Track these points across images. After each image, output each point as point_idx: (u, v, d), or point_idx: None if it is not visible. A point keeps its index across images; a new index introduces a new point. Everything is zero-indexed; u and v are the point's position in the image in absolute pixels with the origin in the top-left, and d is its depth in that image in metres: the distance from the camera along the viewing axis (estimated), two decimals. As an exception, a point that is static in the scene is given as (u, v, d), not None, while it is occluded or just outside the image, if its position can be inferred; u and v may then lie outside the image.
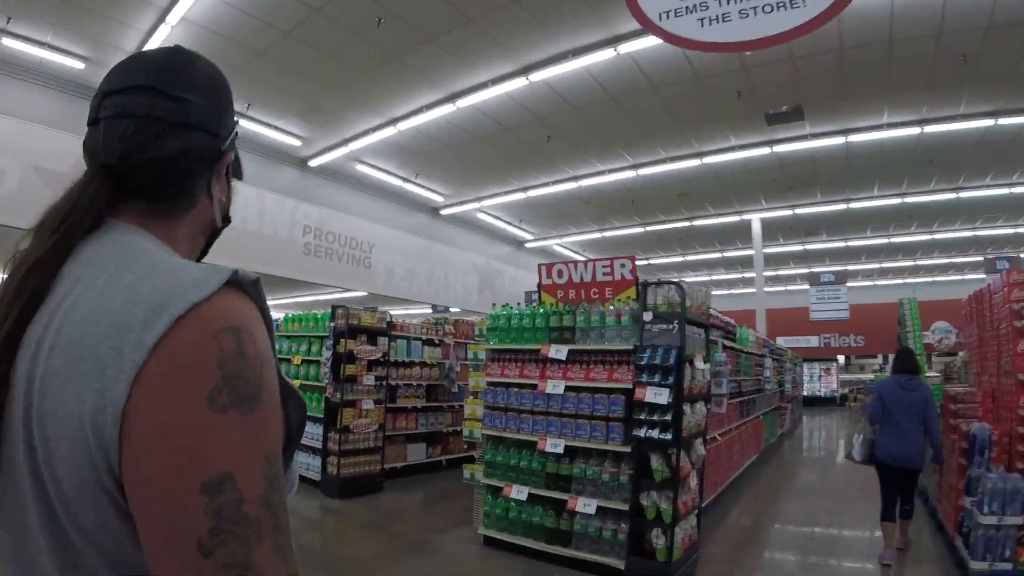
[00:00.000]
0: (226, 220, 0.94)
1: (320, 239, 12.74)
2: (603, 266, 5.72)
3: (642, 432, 4.81)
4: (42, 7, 8.12)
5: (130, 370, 0.61)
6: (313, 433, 8.20)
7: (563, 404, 5.34)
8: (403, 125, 10.82)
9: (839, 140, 11.05)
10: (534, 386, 5.58)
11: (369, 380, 8.21)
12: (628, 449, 4.92)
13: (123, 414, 0.60)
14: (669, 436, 4.73)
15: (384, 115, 10.74)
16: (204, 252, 0.96)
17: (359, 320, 8.41)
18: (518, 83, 9.19)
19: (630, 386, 4.99)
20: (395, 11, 7.88)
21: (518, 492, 5.47)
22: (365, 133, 11.46)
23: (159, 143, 0.79)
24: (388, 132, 11.18)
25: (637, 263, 5.67)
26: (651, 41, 7.89)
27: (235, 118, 0.92)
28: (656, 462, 4.82)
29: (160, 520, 0.60)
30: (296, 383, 8.80)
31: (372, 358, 8.35)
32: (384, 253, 14.02)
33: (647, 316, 5.02)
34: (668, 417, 4.77)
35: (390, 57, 8.90)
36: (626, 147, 11.54)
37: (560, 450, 5.22)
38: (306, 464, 8.30)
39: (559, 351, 5.51)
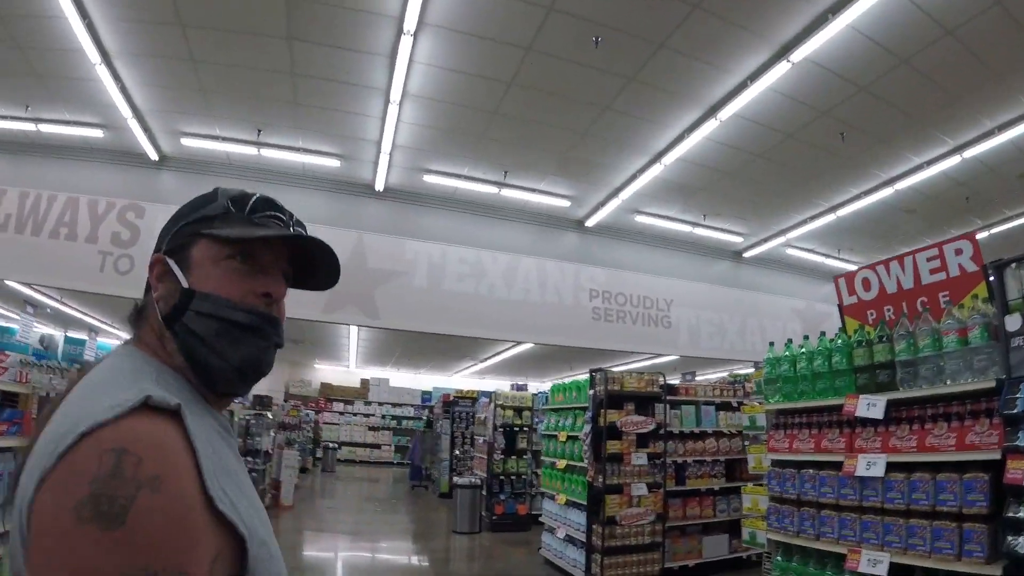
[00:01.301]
0: (178, 308, 0.96)
1: (609, 302, 11.74)
2: (928, 258, 3.57)
3: (1020, 541, 2.55)
4: (282, 114, 8.99)
5: (38, 475, 0.74)
6: (576, 523, 6.87)
7: (885, 493, 3.25)
8: (668, 158, 9.36)
9: None
10: (838, 464, 3.57)
11: (639, 459, 6.66)
12: (998, 573, 2.66)
13: (28, 511, 0.74)
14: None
15: (643, 151, 9.42)
16: (188, 340, 0.96)
17: (622, 385, 7.00)
18: (779, 70, 7.14)
19: (997, 456, 2.77)
20: (608, 23, 6.70)
21: (826, 635, 3.42)
22: (632, 179, 10.24)
23: None
24: (655, 171, 9.81)
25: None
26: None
27: (189, 218, 1.02)
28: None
29: None
30: (562, 463, 7.64)
31: (642, 431, 6.81)
32: (684, 309, 12.40)
33: (1012, 323, 2.78)
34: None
35: (626, 80, 7.65)
36: (939, 124, 8.40)
37: (883, 572, 3.10)
38: (573, 560, 6.95)
39: (872, 405, 3.47)
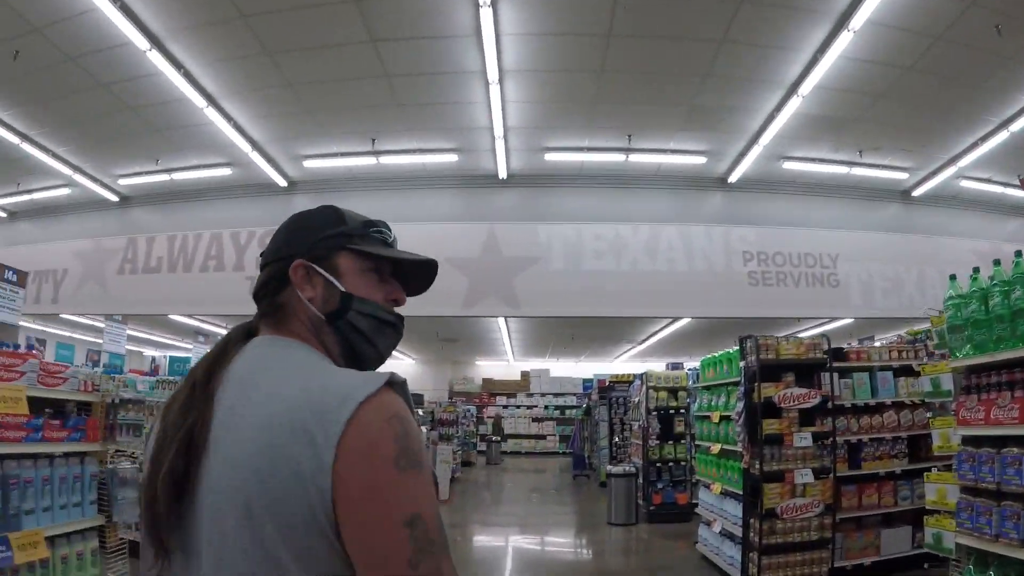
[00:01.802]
0: (342, 308, 1.12)
1: (766, 264, 10.55)
2: None
3: None
4: (389, 119, 9.09)
5: (334, 440, 0.87)
6: (733, 515, 6.04)
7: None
8: (805, 88, 8.02)
9: None
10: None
11: (803, 440, 5.70)
12: None
13: (332, 473, 0.86)
14: None
15: (775, 84, 8.18)
16: (346, 340, 1.14)
17: (777, 352, 6.04)
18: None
19: None
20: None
21: None
22: (769, 119, 9.00)
23: (257, 284, 1.17)
24: (793, 105, 8.49)
25: None
26: None
27: (325, 232, 1.17)
28: None
29: (378, 548, 0.87)
30: (716, 447, 6.84)
31: (805, 405, 5.82)
32: (852, 264, 10.82)
33: None
34: None
35: (736, 2, 6.57)
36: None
37: None
38: (730, 557, 6.11)
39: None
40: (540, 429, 24.47)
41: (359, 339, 1.13)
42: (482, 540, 9.08)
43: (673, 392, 10.38)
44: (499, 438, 21.00)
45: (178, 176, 10.55)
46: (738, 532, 5.88)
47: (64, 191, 11.28)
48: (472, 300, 10.05)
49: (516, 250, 10.25)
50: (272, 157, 10.09)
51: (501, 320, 14.93)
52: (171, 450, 0.96)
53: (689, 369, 10.54)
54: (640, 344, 20.18)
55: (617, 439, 13.77)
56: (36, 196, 11.45)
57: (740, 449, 5.97)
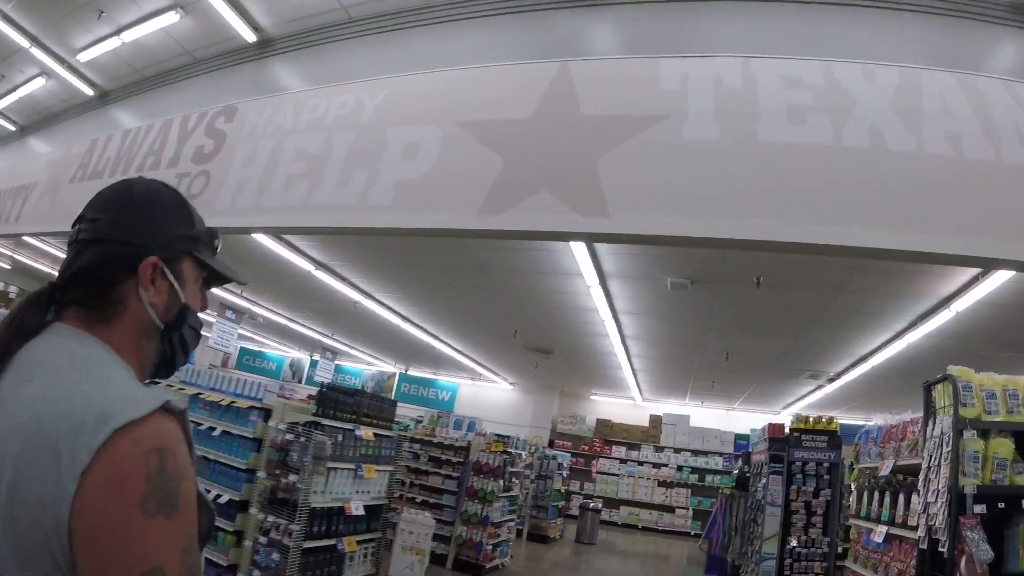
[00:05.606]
0: (179, 321, 1.07)
1: None
2: None
3: None
4: None
5: (79, 467, 0.79)
6: None
7: None
8: None
9: None
10: None
11: None
12: None
13: (72, 504, 0.78)
14: None
15: None
16: (170, 352, 1.08)
17: None
18: None
19: None
20: None
21: None
22: None
23: (79, 258, 0.99)
24: None
25: None
26: None
27: (177, 229, 1.07)
28: None
29: None
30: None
31: None
32: None
33: None
34: None
35: None
36: None
37: None
38: None
39: None
40: (668, 498, 17.26)
41: (180, 350, 1.09)
42: None
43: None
44: (597, 506, 13.96)
45: (128, 37, 8.17)
46: None
47: (40, 82, 9.56)
48: (504, 200, 4.53)
49: (611, 105, 4.65)
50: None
51: (603, 305, 8.73)
52: None
53: None
54: (831, 381, 12.79)
55: (795, 542, 7.04)
56: (23, 93, 9.87)
57: None
